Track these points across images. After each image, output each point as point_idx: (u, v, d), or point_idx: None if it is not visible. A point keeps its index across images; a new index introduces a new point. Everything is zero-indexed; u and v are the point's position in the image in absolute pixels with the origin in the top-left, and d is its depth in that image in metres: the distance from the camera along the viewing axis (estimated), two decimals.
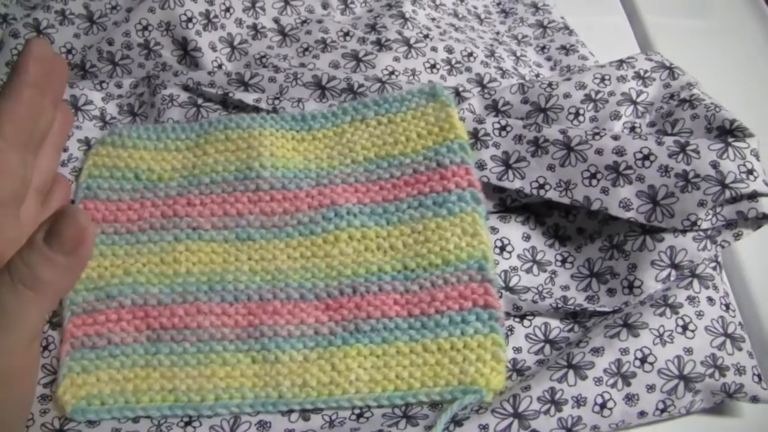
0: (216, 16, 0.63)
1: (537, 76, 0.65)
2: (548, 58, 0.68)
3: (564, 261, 0.54)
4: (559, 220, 0.55)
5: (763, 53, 0.77)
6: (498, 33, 0.70)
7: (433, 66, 0.62)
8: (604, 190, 0.51)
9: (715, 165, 0.49)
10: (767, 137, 0.54)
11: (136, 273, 0.51)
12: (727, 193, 0.49)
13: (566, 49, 0.68)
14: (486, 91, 0.60)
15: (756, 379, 0.47)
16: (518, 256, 0.53)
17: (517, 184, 0.53)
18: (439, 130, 0.54)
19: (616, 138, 0.52)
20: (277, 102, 0.57)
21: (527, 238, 0.54)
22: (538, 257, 0.54)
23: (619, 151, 0.51)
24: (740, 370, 0.47)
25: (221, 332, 0.49)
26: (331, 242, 0.51)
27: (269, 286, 0.50)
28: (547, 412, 0.45)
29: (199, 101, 0.59)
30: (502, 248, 0.53)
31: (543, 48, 0.69)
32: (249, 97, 0.58)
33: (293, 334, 0.49)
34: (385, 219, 0.52)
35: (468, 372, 0.47)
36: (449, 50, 0.63)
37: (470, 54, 0.63)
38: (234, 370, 0.48)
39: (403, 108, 0.56)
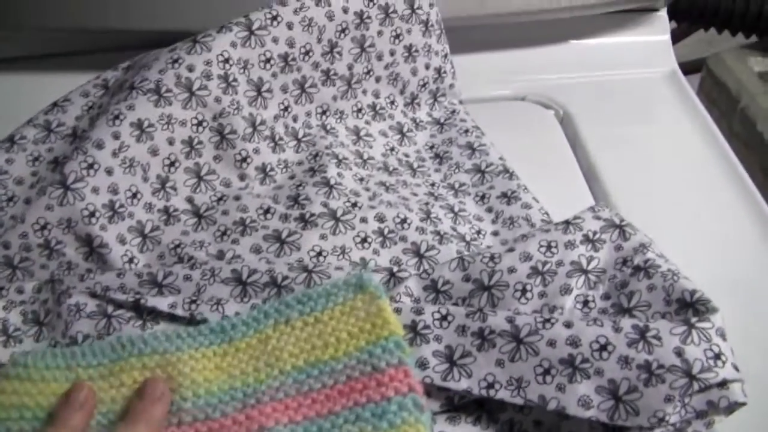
0: (122, 206, 0.57)
1: (478, 233, 0.61)
2: (489, 209, 0.63)
3: None
4: (514, 415, 0.50)
5: (702, 151, 0.76)
6: (433, 184, 0.66)
7: (364, 240, 0.57)
8: (560, 387, 0.47)
9: (679, 353, 0.46)
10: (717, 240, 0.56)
11: None
12: (696, 385, 0.45)
13: (507, 198, 0.63)
14: (423, 266, 0.56)
15: None
16: None
17: (463, 384, 0.49)
18: (372, 327, 0.50)
19: (568, 326, 0.48)
20: (194, 306, 0.52)
21: None
22: None
23: (574, 342, 0.47)
24: None
25: None
26: None
27: None
28: None
29: (109, 310, 0.53)
30: None
31: (483, 197, 0.64)
32: (163, 302, 0.52)
33: None
34: None
35: None
36: (381, 219, 0.58)
37: (404, 220, 0.59)
38: None
39: (329, 304, 0.51)
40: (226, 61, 0.63)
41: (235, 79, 0.63)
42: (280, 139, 0.65)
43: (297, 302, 0.51)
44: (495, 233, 0.61)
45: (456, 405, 0.50)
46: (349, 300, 0.51)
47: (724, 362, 0.45)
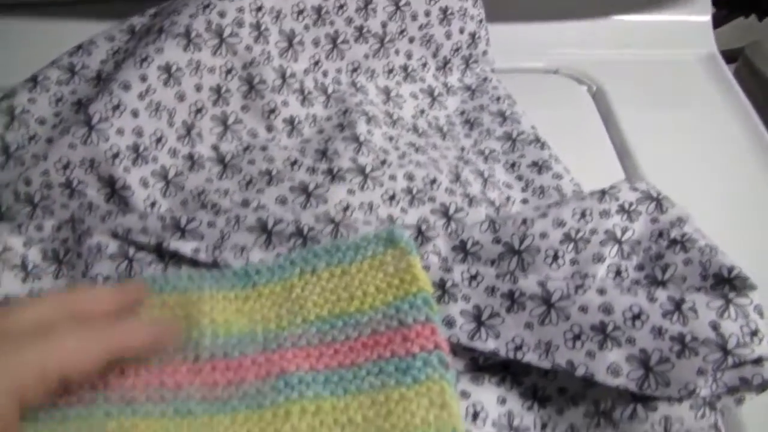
0: (146, 149, 0.56)
1: (508, 199, 0.59)
2: (519, 177, 0.62)
3: (544, 426, 0.48)
4: (538, 380, 0.49)
5: (739, 139, 0.74)
6: (463, 149, 0.64)
7: (392, 197, 0.56)
8: (590, 354, 0.46)
9: (715, 326, 0.44)
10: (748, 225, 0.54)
11: None
12: (730, 360, 0.44)
13: (538, 166, 0.62)
14: (453, 227, 0.54)
15: None
16: (493, 423, 0.47)
17: (491, 344, 0.48)
18: (400, 283, 0.48)
19: (601, 292, 0.47)
20: (217, 252, 0.51)
21: (503, 401, 0.49)
22: (516, 423, 0.48)
23: (606, 309, 0.46)
24: None
25: None
26: (282, 417, 0.45)
27: None
28: None
29: (131, 252, 0.52)
30: (475, 415, 0.47)
31: (513, 165, 0.63)
32: (186, 247, 0.51)
33: None
34: (342, 388, 0.46)
35: None
36: (410, 177, 0.57)
37: (433, 181, 0.57)
38: None
39: (357, 257, 0.50)
40: (259, 9, 0.61)
41: (266, 29, 0.62)
42: (309, 93, 0.64)
43: (324, 253, 0.50)
44: (524, 201, 0.60)
45: (480, 366, 0.49)
46: (378, 254, 0.50)
47: (760, 339, 0.44)
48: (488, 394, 0.48)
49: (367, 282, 0.49)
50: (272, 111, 0.62)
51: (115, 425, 0.44)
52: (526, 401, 0.49)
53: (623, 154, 0.71)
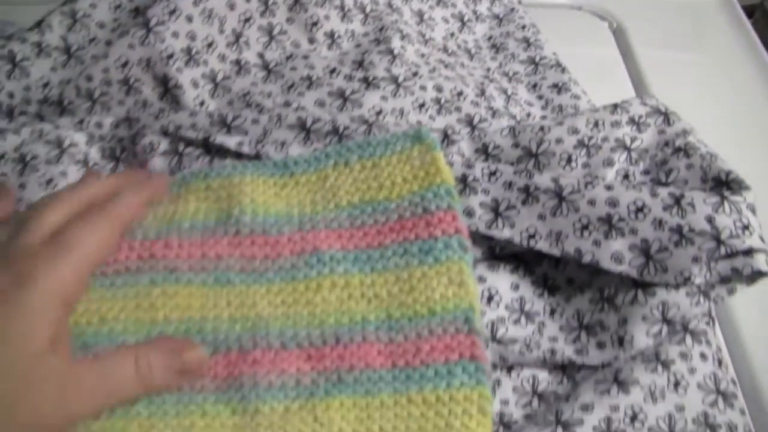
0: (198, 52, 0.61)
1: (528, 115, 0.64)
2: (540, 97, 0.66)
3: (553, 312, 0.53)
4: (548, 270, 0.54)
5: (753, 84, 0.77)
6: (489, 69, 0.69)
7: (421, 105, 0.60)
8: (596, 243, 0.50)
9: (710, 220, 0.48)
10: (758, 165, 0.55)
11: (112, 321, 0.48)
12: (723, 250, 0.47)
13: (558, 88, 0.66)
14: (476, 133, 0.59)
15: None
16: (506, 307, 0.52)
17: (506, 233, 0.52)
18: (425, 175, 0.52)
19: (609, 188, 0.51)
20: (259, 146, 0.56)
21: (516, 287, 0.53)
22: (527, 307, 0.52)
23: (612, 203, 0.50)
24: (732, 429, 0.46)
25: (201, 384, 0.47)
26: (314, 289, 0.49)
27: (249, 335, 0.48)
28: None
29: (180, 147, 0.57)
30: (490, 298, 0.52)
31: (534, 86, 0.67)
32: (231, 141, 0.56)
33: (274, 384, 0.47)
34: (369, 266, 0.50)
35: (453, 425, 0.45)
36: (438, 89, 0.61)
37: (460, 93, 0.62)
38: (214, 422, 0.46)
39: (387, 152, 0.54)
40: None
41: None
42: (349, 10, 0.68)
43: (357, 147, 0.54)
44: (543, 118, 0.64)
45: (496, 255, 0.54)
46: (406, 149, 0.54)
47: (751, 233, 0.48)
48: (502, 281, 0.53)
49: (395, 174, 0.53)
50: (315, 24, 0.67)
51: (159, 292, 0.49)
52: (537, 289, 0.53)
53: (640, 89, 0.74)
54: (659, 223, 0.49)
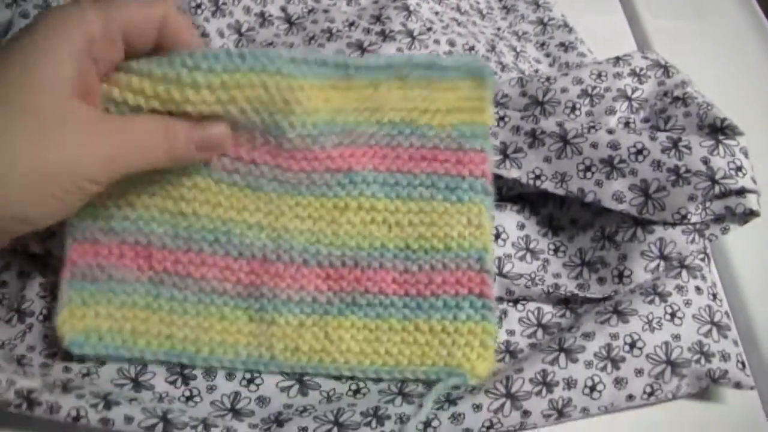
0: (224, 3, 0.64)
1: (536, 71, 0.67)
2: (547, 55, 0.70)
3: (557, 250, 0.56)
4: (553, 211, 0.57)
5: (755, 53, 0.79)
6: (499, 29, 0.72)
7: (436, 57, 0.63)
8: (598, 183, 0.53)
9: (705, 161, 0.51)
10: (758, 134, 0.56)
11: (141, 208, 0.50)
12: (717, 189, 0.50)
13: (565, 47, 0.69)
14: None
15: (740, 366, 0.49)
16: (512, 244, 0.55)
17: (514, 173, 0.55)
18: (470, 109, 0.53)
19: (611, 132, 0.54)
20: None
21: (522, 226, 0.56)
22: (532, 245, 0.55)
23: (614, 145, 0.53)
24: (725, 357, 0.49)
25: (223, 287, 0.50)
26: (341, 208, 0.51)
27: (274, 246, 0.50)
28: (538, 393, 0.47)
29: None
30: (497, 236, 0.55)
31: (542, 45, 0.70)
32: None
33: (292, 299, 0.50)
34: (395, 192, 0.52)
35: (455, 355, 0.49)
36: (451, 43, 0.64)
37: (472, 48, 0.65)
38: (231, 326, 0.49)
39: (445, 74, 0.52)
40: None
41: None
42: None
43: (420, 65, 0.51)
44: None
45: (503, 196, 0.57)
46: (461, 78, 0.53)
47: (744, 174, 0.51)
48: (509, 220, 0.56)
49: (443, 100, 0.53)
50: None
51: (191, 184, 0.50)
52: (542, 228, 0.57)
53: (643, 48, 0.76)
54: (658, 165, 0.52)
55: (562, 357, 0.48)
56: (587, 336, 0.49)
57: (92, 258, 0.49)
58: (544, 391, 0.47)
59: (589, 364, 0.48)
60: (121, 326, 0.49)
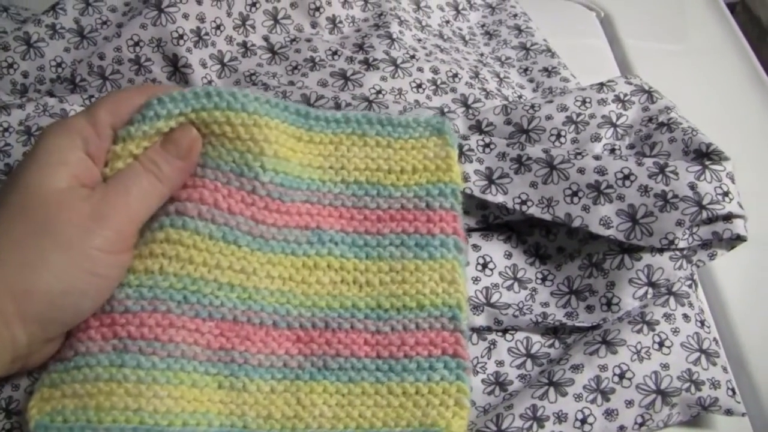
0: (207, 34, 0.64)
1: (520, 97, 0.67)
2: (531, 80, 0.69)
3: (544, 279, 0.55)
4: (540, 239, 0.56)
5: (735, 74, 0.80)
6: (482, 55, 0.72)
7: (419, 86, 0.63)
8: (585, 208, 0.52)
9: (692, 186, 0.51)
10: (740, 151, 0.56)
11: None
12: (704, 214, 0.50)
13: (548, 71, 0.69)
14: (470, 111, 0.61)
15: (730, 392, 0.49)
16: (500, 273, 0.54)
17: (499, 198, 0.54)
18: (435, 169, 0.54)
19: (597, 158, 0.54)
20: None
21: (509, 255, 0.56)
22: (519, 275, 0.55)
23: (601, 171, 0.53)
24: (715, 385, 0.49)
25: (193, 351, 0.47)
26: (310, 267, 0.51)
27: (244, 307, 0.49)
28: (529, 429, 0.46)
29: None
30: (485, 265, 0.54)
31: (526, 70, 0.70)
32: None
33: (263, 364, 0.48)
34: (365, 252, 0.52)
35: (430, 415, 0.47)
36: (435, 71, 0.64)
37: (455, 75, 0.64)
38: (202, 394, 0.46)
39: (405, 135, 0.55)
40: None
41: None
42: None
43: (377, 122, 0.55)
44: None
45: (490, 224, 0.56)
46: (423, 137, 0.54)
47: (731, 199, 0.51)
48: (496, 249, 0.55)
49: (407, 160, 0.54)
50: (317, 9, 0.69)
51: (163, 236, 0.48)
52: (529, 257, 0.56)
53: (625, 71, 0.77)
54: (645, 190, 0.52)
55: (552, 391, 0.47)
56: (576, 368, 0.48)
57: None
58: (534, 426, 0.46)
59: (578, 397, 0.47)
60: (86, 404, 0.44)
